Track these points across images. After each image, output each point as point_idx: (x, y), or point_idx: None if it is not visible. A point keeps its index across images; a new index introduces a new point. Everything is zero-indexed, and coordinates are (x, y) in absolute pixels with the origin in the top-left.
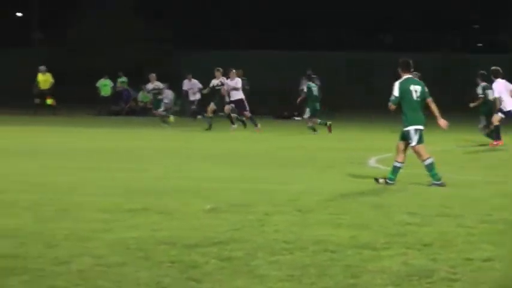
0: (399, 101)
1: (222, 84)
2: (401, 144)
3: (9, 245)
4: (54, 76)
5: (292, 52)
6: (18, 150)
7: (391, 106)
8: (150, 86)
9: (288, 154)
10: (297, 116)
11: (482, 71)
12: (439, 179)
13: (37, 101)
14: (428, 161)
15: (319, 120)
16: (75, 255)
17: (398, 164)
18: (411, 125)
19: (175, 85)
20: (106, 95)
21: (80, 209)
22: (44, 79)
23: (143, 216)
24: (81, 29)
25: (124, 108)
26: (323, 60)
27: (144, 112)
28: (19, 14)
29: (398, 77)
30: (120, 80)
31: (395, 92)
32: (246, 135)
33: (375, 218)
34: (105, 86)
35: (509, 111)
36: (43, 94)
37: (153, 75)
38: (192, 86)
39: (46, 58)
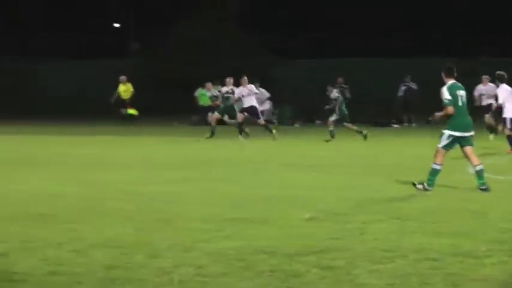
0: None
1: (233, 92)
2: (468, 149)
3: (111, 255)
4: (153, 85)
5: (387, 59)
6: (115, 160)
7: (449, 109)
8: (224, 89)
9: (384, 161)
10: (395, 124)
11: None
12: (431, 185)
13: (123, 111)
14: (436, 166)
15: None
16: (177, 266)
17: (478, 168)
18: (449, 129)
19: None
20: (204, 105)
21: (180, 218)
22: (125, 89)
23: (242, 225)
24: (179, 38)
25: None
26: (412, 67)
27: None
28: (116, 25)
29: (443, 83)
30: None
31: (447, 95)
32: (336, 143)
33: (475, 225)
34: (203, 95)
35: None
36: (124, 104)
37: (229, 80)
38: (260, 95)
39: (143, 68)
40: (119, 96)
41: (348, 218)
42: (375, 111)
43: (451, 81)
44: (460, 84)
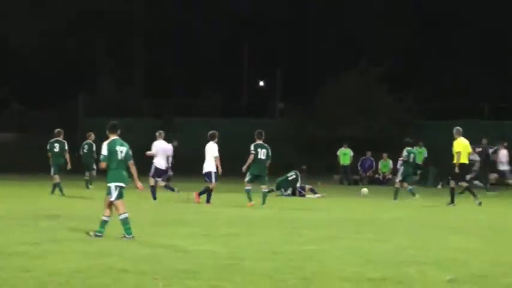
0: None
1: None
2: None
3: None
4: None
5: None
6: (253, 218)
7: (103, 164)
8: None
9: None
10: None
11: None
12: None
13: None
14: (106, 218)
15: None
16: None
17: (123, 216)
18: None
19: None
20: (345, 164)
21: (320, 278)
22: None
23: (382, 286)
24: (323, 99)
25: (363, 177)
26: None
27: (385, 181)
28: (261, 84)
29: None
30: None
31: (104, 151)
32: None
33: None
34: (344, 154)
35: None
36: None
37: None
38: None
39: (288, 128)
40: None
41: (490, 281)
42: None
43: (113, 138)
44: (122, 140)
